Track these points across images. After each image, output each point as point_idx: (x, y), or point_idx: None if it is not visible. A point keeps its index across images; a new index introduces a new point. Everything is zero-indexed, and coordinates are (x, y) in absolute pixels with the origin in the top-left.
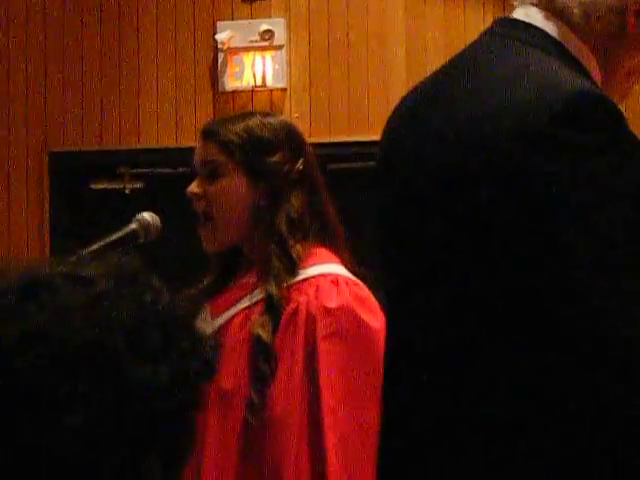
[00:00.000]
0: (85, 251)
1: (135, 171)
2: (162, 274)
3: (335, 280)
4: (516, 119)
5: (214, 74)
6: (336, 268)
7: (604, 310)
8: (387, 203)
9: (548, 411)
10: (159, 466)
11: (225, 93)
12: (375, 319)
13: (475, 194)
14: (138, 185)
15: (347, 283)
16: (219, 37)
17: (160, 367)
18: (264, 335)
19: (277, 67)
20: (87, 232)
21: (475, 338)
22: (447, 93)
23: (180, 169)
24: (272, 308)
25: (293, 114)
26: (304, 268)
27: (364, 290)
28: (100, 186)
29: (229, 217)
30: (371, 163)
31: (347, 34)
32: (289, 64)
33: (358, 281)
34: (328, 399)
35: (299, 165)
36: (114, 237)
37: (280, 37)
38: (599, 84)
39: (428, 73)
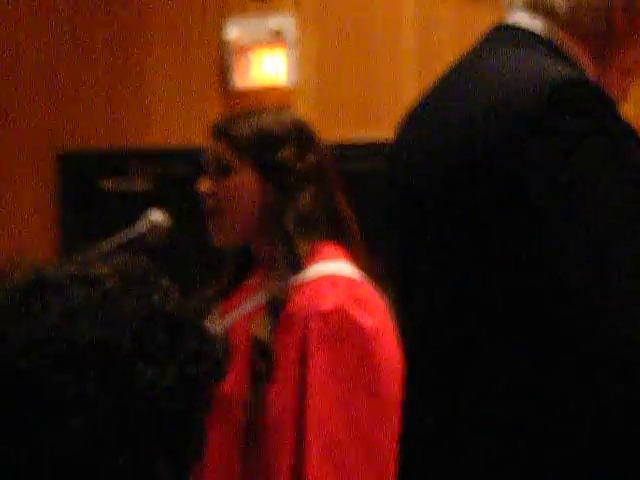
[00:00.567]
0: (94, 251)
1: (145, 171)
2: (172, 274)
3: (335, 281)
4: (506, 114)
5: (223, 72)
6: (340, 267)
7: (604, 310)
8: (393, 204)
9: (548, 411)
10: (167, 467)
11: (234, 91)
12: (371, 318)
13: (473, 193)
14: (148, 185)
15: (347, 283)
16: (228, 35)
17: (167, 368)
18: (262, 335)
19: (287, 65)
20: (96, 232)
21: (475, 338)
22: (445, 97)
23: (190, 168)
24: (272, 310)
25: (303, 112)
26: (309, 267)
27: (365, 289)
28: (109, 186)
29: (238, 213)
30: (381, 161)
31: (357, 31)
32: (299, 62)
33: (362, 280)
34: (315, 403)
35: (309, 161)
36: (123, 237)
37: (289, 35)
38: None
39: (440, 69)
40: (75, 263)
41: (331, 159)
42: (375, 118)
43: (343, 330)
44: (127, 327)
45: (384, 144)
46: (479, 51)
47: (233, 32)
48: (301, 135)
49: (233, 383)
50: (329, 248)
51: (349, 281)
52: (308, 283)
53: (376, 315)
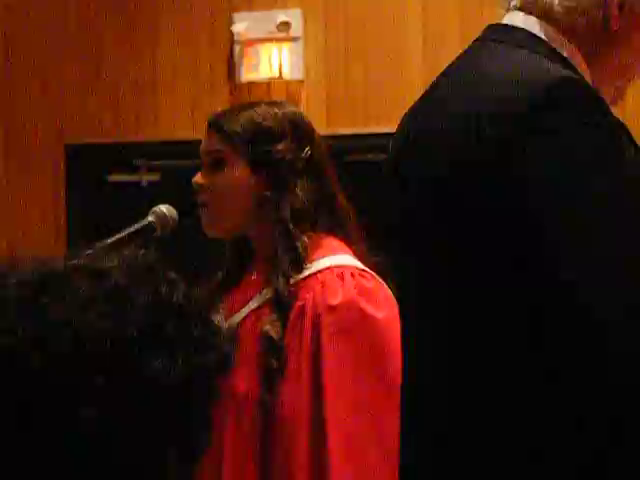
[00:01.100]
0: (102, 244)
1: (152, 163)
2: (178, 267)
3: (341, 274)
4: (502, 114)
5: (231, 66)
6: (344, 259)
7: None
8: (394, 202)
9: (548, 411)
10: (174, 459)
11: (242, 85)
12: (380, 310)
13: (470, 191)
14: (155, 177)
15: (353, 275)
16: (236, 29)
17: (175, 360)
18: (273, 332)
19: (294, 58)
20: (104, 225)
21: (475, 338)
22: (441, 95)
23: (197, 161)
24: (280, 306)
25: (310, 105)
26: (311, 261)
27: (371, 281)
28: (117, 178)
29: (231, 207)
30: (386, 155)
31: (364, 24)
32: (306, 55)
33: (367, 271)
34: (333, 398)
35: (305, 154)
36: (131, 230)
37: (297, 28)
38: (589, 80)
39: (445, 64)
40: (83, 256)
41: (328, 152)
42: (382, 111)
43: (355, 323)
44: (135, 319)
45: (391, 137)
46: (476, 51)
47: (241, 26)
48: (296, 128)
49: (247, 381)
50: (330, 240)
51: (355, 273)
52: (314, 277)
53: (385, 306)
